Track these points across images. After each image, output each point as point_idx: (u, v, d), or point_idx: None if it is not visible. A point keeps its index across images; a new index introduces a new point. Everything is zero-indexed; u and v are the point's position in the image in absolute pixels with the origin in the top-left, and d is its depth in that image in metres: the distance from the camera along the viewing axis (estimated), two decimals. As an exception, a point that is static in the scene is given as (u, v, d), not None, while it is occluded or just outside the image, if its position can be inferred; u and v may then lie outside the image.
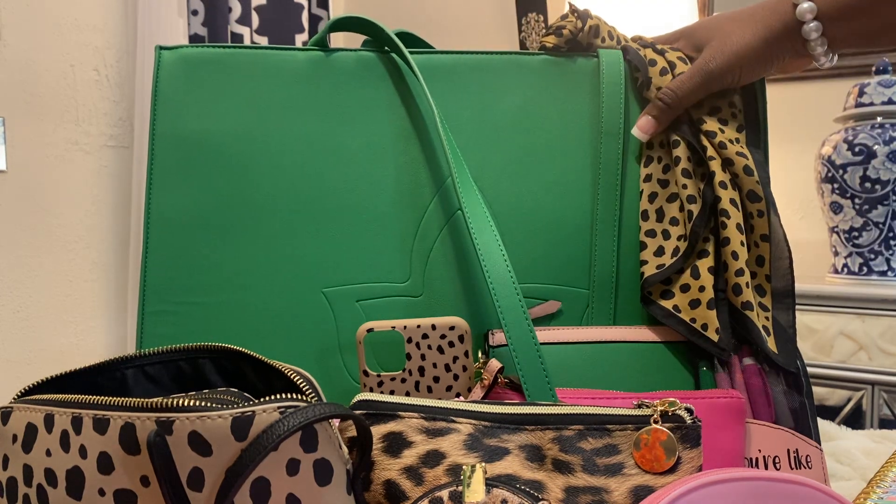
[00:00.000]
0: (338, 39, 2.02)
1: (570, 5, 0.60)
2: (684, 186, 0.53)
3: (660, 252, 0.53)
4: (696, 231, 0.52)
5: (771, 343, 0.50)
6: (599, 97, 0.56)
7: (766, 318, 0.52)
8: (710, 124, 0.54)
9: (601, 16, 0.59)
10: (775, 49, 0.51)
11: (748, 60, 0.52)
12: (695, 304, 0.51)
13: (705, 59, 0.52)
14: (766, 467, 0.47)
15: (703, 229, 0.52)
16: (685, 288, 0.52)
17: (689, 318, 0.51)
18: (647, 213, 0.55)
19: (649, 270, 0.53)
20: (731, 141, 0.53)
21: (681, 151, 0.54)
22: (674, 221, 0.54)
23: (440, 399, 0.44)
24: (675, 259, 0.52)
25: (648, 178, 0.55)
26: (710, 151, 0.53)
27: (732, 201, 0.52)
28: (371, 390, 0.49)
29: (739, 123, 0.55)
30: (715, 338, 0.49)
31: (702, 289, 0.51)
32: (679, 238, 0.53)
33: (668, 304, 0.52)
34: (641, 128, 0.54)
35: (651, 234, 0.54)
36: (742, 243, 0.51)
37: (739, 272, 0.51)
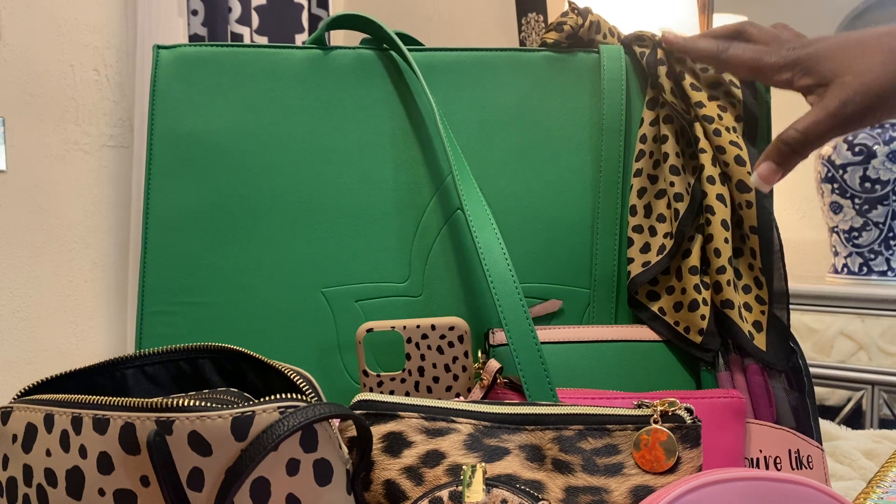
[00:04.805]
0: (338, 39, 2.02)
1: (570, 3, 0.59)
2: (672, 184, 0.52)
3: (646, 249, 0.53)
4: (681, 230, 0.51)
5: (759, 340, 0.49)
6: (601, 94, 0.56)
7: (762, 313, 0.51)
8: (710, 108, 0.53)
9: (601, 14, 0.59)
10: None
11: (889, 100, 0.45)
12: (678, 306, 0.51)
13: (842, 102, 0.45)
14: (767, 467, 0.47)
15: (690, 228, 0.51)
16: (670, 290, 0.52)
17: (672, 321, 0.50)
18: (636, 208, 0.54)
19: (635, 269, 0.52)
20: (727, 129, 0.52)
21: (669, 147, 0.53)
22: (661, 218, 0.53)
23: (440, 399, 0.44)
24: (661, 257, 0.51)
25: (639, 172, 0.54)
26: (703, 143, 0.52)
27: (720, 197, 0.51)
28: (371, 390, 0.49)
29: (738, 114, 0.54)
30: (697, 340, 0.49)
31: (683, 290, 0.51)
32: (665, 235, 0.53)
33: (654, 305, 0.52)
34: (762, 176, 0.47)
35: (638, 230, 0.54)
36: (726, 240, 0.50)
37: (721, 270, 0.50)
